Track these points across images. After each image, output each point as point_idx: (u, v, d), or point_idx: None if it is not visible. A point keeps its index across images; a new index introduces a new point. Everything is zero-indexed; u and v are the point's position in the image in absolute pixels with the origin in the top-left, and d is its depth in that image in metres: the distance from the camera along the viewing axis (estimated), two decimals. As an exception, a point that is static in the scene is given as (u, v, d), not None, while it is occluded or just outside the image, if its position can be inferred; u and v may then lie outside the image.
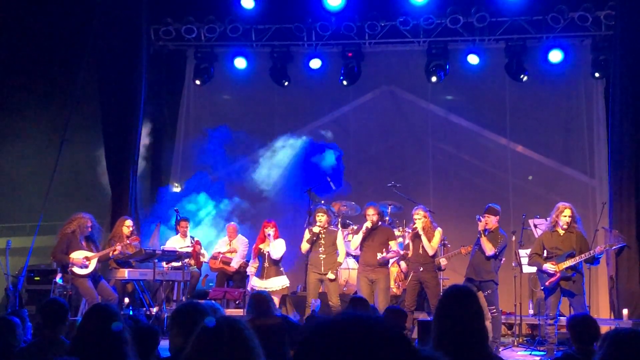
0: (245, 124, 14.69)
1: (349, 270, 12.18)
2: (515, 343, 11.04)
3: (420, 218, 10.58)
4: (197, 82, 14.81)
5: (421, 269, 10.57)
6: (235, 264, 12.75)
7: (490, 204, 10.60)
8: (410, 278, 10.69)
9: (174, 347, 4.48)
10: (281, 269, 11.49)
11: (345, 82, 14.56)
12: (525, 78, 13.93)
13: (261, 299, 6.26)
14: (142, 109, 13.73)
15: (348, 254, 11.94)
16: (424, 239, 10.53)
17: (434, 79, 14.11)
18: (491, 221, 10.39)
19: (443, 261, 11.27)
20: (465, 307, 3.77)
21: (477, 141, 14.72)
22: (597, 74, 13.71)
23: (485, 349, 3.82)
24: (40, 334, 5.91)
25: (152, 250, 11.70)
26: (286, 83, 14.72)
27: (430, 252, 10.58)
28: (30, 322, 7.32)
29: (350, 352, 1.80)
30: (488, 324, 7.89)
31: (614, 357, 3.75)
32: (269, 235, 11.28)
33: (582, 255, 9.66)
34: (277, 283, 11.33)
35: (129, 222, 11.71)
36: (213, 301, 9.12)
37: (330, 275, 10.97)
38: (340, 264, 11.24)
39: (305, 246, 11.18)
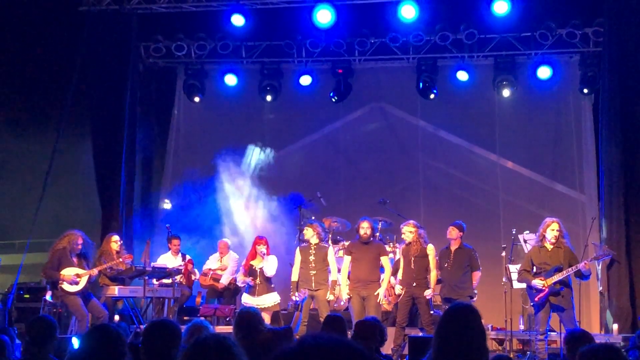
0: (236, 140, 14.70)
1: (339, 286, 12.17)
2: (506, 359, 11.01)
3: (412, 232, 10.64)
4: (197, 99, 14.84)
5: (414, 284, 10.57)
6: (224, 280, 12.71)
7: (458, 221, 10.91)
8: (402, 294, 10.68)
9: None
10: (272, 285, 11.47)
11: (335, 99, 14.61)
12: (507, 93, 14.00)
13: (249, 316, 6.22)
14: (133, 126, 13.75)
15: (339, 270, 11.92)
16: (433, 274, 10.64)
17: (431, 96, 14.19)
18: (455, 232, 10.63)
19: None
20: (468, 326, 3.75)
21: (467, 157, 14.77)
22: (585, 90, 13.79)
23: None
24: (29, 352, 5.87)
25: (143, 267, 11.67)
26: (269, 98, 14.72)
27: (434, 272, 10.65)
28: (19, 340, 7.29)
29: None
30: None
31: None
32: (262, 252, 11.26)
33: (569, 269, 9.70)
34: (268, 300, 11.30)
35: (115, 238, 11.69)
36: (202, 318, 9.11)
37: (330, 297, 10.95)
38: (336, 281, 11.19)
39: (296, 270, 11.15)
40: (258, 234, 11.95)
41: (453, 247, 10.72)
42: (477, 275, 10.77)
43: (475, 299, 10.73)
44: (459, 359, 3.66)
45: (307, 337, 1.85)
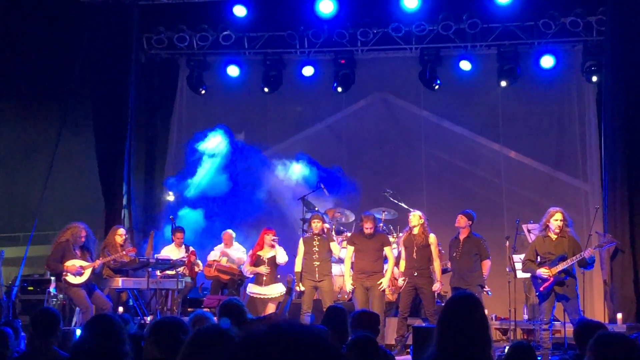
0: (238, 131, 14.69)
1: (342, 277, 12.18)
2: (510, 348, 11.00)
3: (422, 219, 10.67)
4: (203, 91, 14.81)
5: (415, 274, 10.57)
6: (247, 272, 12.41)
7: (468, 210, 10.87)
8: (404, 284, 10.68)
9: (146, 357, 4.40)
10: (278, 276, 11.49)
11: (338, 89, 14.57)
12: (510, 83, 13.97)
13: (231, 307, 6.18)
14: (134, 118, 13.75)
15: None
16: (436, 264, 10.62)
17: (436, 87, 14.17)
18: (463, 221, 10.61)
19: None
20: (471, 315, 3.74)
21: (470, 147, 14.73)
22: (589, 79, 13.72)
23: (488, 357, 3.80)
24: (33, 344, 5.88)
25: (146, 259, 11.68)
26: (266, 89, 14.69)
27: (437, 261, 10.67)
28: (23, 332, 7.31)
29: None
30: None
31: None
32: (273, 240, 11.30)
33: (574, 258, 9.69)
34: (275, 290, 11.31)
35: (121, 231, 11.70)
36: (205, 309, 9.12)
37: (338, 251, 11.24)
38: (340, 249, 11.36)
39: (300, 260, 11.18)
40: (264, 226, 11.97)
41: (462, 237, 10.69)
42: (487, 264, 10.66)
43: (487, 288, 10.70)
44: (461, 349, 3.65)
45: (279, 324, 1.80)
